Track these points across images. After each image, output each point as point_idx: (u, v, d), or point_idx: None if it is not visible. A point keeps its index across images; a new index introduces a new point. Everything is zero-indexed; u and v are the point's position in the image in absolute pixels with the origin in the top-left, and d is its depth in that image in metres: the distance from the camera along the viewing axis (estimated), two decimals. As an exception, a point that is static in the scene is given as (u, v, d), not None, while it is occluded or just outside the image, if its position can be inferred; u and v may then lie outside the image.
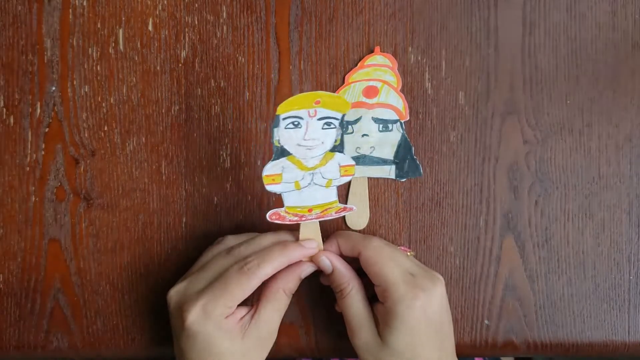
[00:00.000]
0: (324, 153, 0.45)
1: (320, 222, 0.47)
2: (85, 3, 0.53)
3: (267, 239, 0.47)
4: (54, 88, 0.53)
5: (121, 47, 0.53)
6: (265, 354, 0.47)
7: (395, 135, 0.53)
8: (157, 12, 0.53)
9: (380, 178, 0.53)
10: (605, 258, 0.53)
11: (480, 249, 0.53)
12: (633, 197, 0.53)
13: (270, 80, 0.53)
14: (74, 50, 0.53)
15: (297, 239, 0.47)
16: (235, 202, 0.53)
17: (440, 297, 0.46)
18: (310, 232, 0.47)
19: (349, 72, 0.53)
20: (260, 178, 0.49)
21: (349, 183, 0.53)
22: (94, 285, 0.52)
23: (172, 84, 0.53)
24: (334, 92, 0.53)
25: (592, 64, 0.53)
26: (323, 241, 0.48)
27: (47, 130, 0.53)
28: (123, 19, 0.53)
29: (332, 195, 0.46)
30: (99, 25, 0.53)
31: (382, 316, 0.45)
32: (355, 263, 0.47)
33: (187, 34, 0.53)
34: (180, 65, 0.53)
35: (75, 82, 0.53)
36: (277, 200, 0.52)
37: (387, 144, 0.52)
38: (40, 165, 0.53)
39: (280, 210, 0.45)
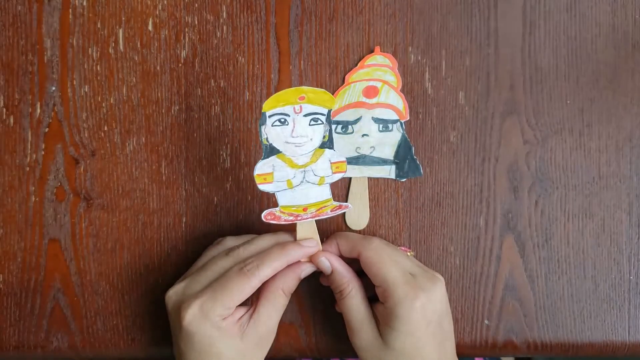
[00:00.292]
0: (313, 150, 0.45)
1: (317, 221, 0.47)
2: (85, 3, 0.53)
3: (267, 240, 0.47)
4: (54, 88, 0.53)
5: (121, 47, 0.53)
6: (264, 353, 0.47)
7: (395, 135, 0.52)
8: (157, 12, 0.53)
9: (380, 178, 0.53)
10: (605, 258, 0.53)
11: (480, 249, 0.53)
12: (633, 197, 0.53)
13: (270, 80, 0.53)
14: (73, 50, 0.53)
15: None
16: (235, 202, 0.53)
17: (440, 297, 0.46)
18: (307, 231, 0.47)
19: (349, 72, 0.53)
20: (260, 178, 0.49)
21: (349, 183, 0.53)
22: (94, 285, 0.52)
23: (172, 84, 0.53)
24: (334, 92, 0.53)
25: (592, 64, 0.53)
26: (322, 242, 0.48)
27: (47, 130, 0.53)
28: (123, 19, 0.53)
29: (325, 193, 0.46)
30: (98, 25, 0.53)
31: (382, 316, 0.45)
32: (355, 264, 0.47)
33: (187, 34, 0.53)
34: (180, 65, 0.53)
35: (75, 82, 0.53)
36: (276, 200, 0.52)
37: (387, 144, 0.52)
38: (40, 165, 0.53)
39: (275, 210, 0.45)
